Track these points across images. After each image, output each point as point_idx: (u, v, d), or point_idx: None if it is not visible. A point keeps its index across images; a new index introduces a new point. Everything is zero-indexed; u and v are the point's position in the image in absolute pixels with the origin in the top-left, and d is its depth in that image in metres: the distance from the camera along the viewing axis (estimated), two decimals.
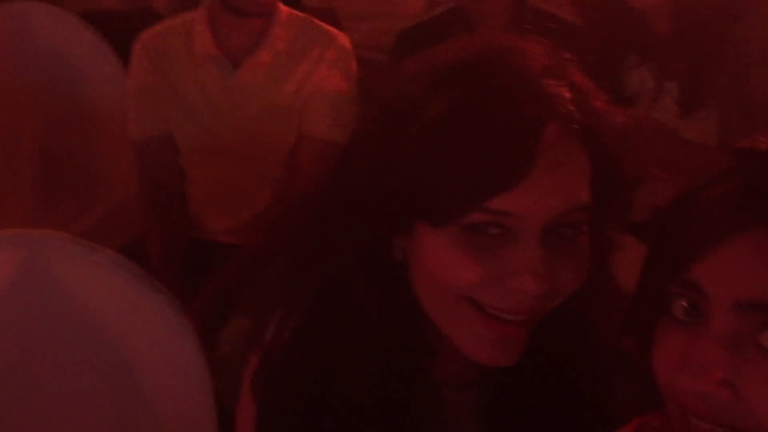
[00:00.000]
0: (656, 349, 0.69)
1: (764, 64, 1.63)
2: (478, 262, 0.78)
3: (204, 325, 1.73)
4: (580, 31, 1.91)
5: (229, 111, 1.94)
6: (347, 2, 2.65)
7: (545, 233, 0.78)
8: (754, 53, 1.63)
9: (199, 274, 1.87)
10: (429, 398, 0.89)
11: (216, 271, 1.85)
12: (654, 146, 1.62)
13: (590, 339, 0.90)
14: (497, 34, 0.87)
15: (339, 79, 1.95)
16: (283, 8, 1.97)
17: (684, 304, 0.67)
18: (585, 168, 0.80)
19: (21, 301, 1.29)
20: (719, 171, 0.70)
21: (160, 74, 1.94)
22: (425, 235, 0.81)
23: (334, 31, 2.00)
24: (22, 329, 1.29)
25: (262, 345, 0.97)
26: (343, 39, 1.99)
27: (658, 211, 1.84)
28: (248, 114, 1.94)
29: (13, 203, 2.13)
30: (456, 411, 0.92)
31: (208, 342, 1.71)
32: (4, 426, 1.28)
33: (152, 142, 1.97)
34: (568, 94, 0.79)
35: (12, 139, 2.16)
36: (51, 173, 2.14)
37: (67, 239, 1.29)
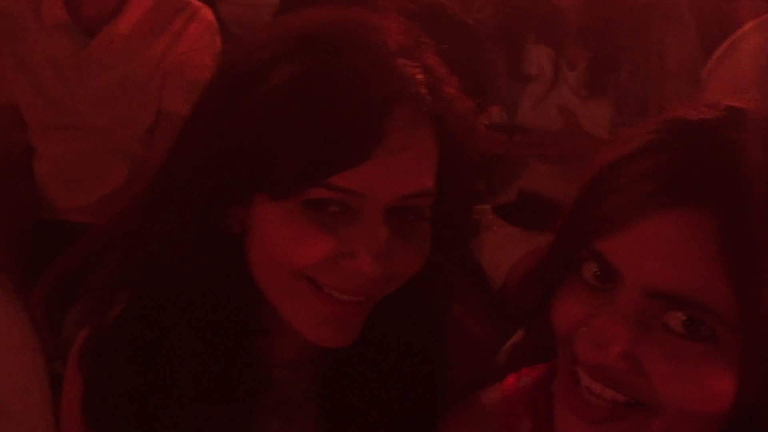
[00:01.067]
0: (559, 303, 0.70)
1: (660, 69, 1.77)
2: (317, 240, 0.76)
3: (49, 308, 1.63)
4: (466, 24, 1.95)
5: (82, 83, 1.84)
6: None
7: (387, 217, 0.77)
8: (652, 57, 1.77)
9: (46, 255, 1.77)
10: (259, 376, 0.87)
11: (63, 251, 1.75)
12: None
13: (430, 320, 0.89)
14: (356, 7, 0.85)
15: (201, 55, 1.88)
16: None
17: (594, 269, 0.68)
18: (431, 153, 0.79)
19: None
20: (644, 143, 0.68)
21: (4, 42, 1.82)
22: (264, 207, 0.78)
23: (198, 4, 1.94)
24: None
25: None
26: (206, 12, 1.93)
27: (523, 194, 1.90)
28: (103, 87, 1.84)
29: None
30: (289, 389, 0.89)
31: (53, 325, 1.62)
32: None
33: None
34: (420, 76, 0.78)
35: None
36: None
37: None
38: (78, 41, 1.83)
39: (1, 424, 1.20)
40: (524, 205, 1.87)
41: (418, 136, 0.78)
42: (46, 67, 1.83)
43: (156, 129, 1.88)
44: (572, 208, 0.73)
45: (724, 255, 0.61)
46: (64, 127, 1.85)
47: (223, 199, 0.81)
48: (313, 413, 0.89)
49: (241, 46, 0.86)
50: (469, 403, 0.86)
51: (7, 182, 1.85)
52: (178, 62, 1.86)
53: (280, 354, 0.89)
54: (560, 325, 0.70)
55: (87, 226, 1.82)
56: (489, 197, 1.94)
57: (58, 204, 1.91)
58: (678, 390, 0.63)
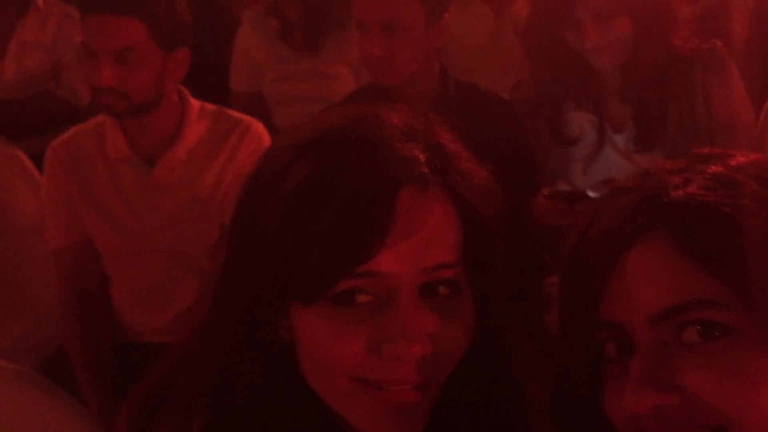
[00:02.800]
0: (606, 395, 0.72)
1: (709, 120, 1.76)
2: (353, 336, 0.76)
3: (134, 430, 1.67)
4: (501, 100, 1.97)
5: (149, 210, 1.94)
6: (275, 87, 2.70)
7: (418, 297, 0.77)
8: (699, 108, 1.75)
9: (127, 379, 1.82)
10: None
11: (144, 373, 1.80)
12: None
13: (505, 395, 0.87)
14: (359, 105, 0.88)
15: None
16: (194, 103, 1.99)
17: (612, 344, 0.72)
18: (450, 227, 0.80)
19: None
20: (601, 210, 0.75)
21: (75, 181, 1.93)
22: (299, 313, 0.79)
23: (248, 118, 2.02)
24: None
25: None
26: (257, 126, 2.01)
27: None
28: (168, 211, 1.93)
29: None
30: None
31: None
32: None
33: (71, 249, 1.94)
34: (422, 156, 0.79)
35: None
36: None
37: None
38: (141, 171, 1.93)
39: None
40: None
41: (430, 213, 0.78)
42: (113, 199, 1.93)
43: (222, 244, 1.94)
44: (561, 300, 0.77)
45: (692, 253, 0.67)
46: (135, 252, 1.94)
47: (266, 310, 0.81)
48: None
49: (263, 155, 0.88)
50: None
51: (86, 312, 1.93)
52: (236, 177, 1.93)
53: None
54: (617, 412, 0.71)
55: (163, 346, 1.87)
56: (556, 268, 1.92)
57: (135, 327, 1.98)
58: (730, 394, 0.65)
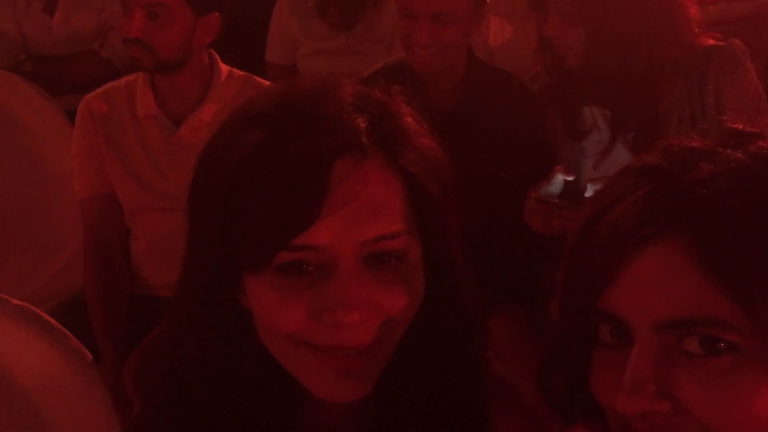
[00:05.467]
0: (593, 377, 0.72)
1: (720, 120, 1.71)
2: (296, 304, 0.78)
3: (138, 381, 1.73)
4: (525, 88, 1.97)
5: (172, 169, 2.00)
6: (310, 61, 2.73)
7: (360, 266, 0.78)
8: (710, 109, 1.73)
9: (140, 330, 1.88)
10: None
11: (155, 325, 1.86)
12: None
13: (464, 369, 0.89)
14: (320, 77, 0.87)
15: None
16: (223, 67, 2.03)
17: (607, 328, 0.71)
18: (392, 197, 0.80)
19: None
20: (616, 192, 0.72)
21: (103, 135, 2.00)
22: (249, 281, 0.81)
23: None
24: None
25: None
26: None
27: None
28: (190, 171, 1.97)
29: None
30: None
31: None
32: None
33: (96, 200, 2.01)
34: (363, 125, 0.79)
35: None
36: (2, 233, 2.18)
37: None
38: (167, 130, 1.99)
39: None
40: None
41: (368, 182, 0.78)
42: (139, 155, 2.00)
43: None
44: (563, 280, 0.75)
45: (712, 269, 0.64)
46: (155, 209, 2.00)
47: (221, 276, 0.82)
48: None
49: (222, 122, 0.88)
50: None
51: (106, 261, 2.01)
52: None
53: (320, 420, 0.90)
54: (604, 397, 0.70)
55: None
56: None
57: (151, 281, 2.05)
58: (723, 412, 0.64)
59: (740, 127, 0.74)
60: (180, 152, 1.99)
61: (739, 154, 0.68)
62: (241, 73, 2.06)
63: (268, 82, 2.07)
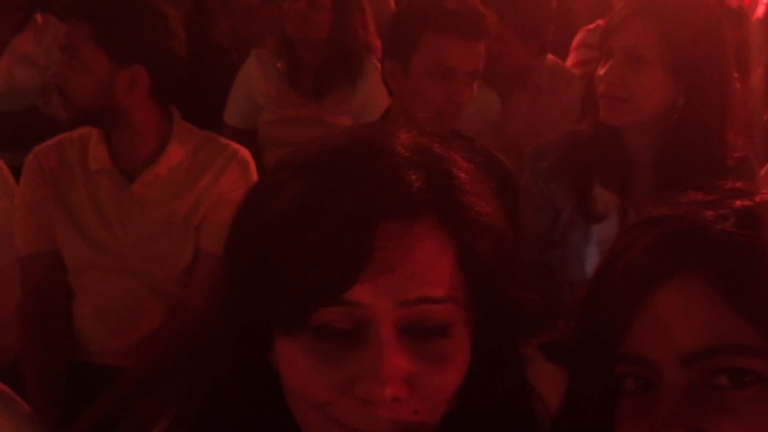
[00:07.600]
0: (620, 428, 0.71)
1: None
2: (328, 370, 0.71)
3: None
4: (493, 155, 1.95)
5: (123, 226, 1.88)
6: (274, 129, 2.66)
7: (397, 335, 0.71)
8: None
9: (80, 399, 1.74)
10: None
11: (98, 395, 1.72)
12: None
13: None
14: (378, 124, 0.83)
15: (240, 194, 1.90)
16: (181, 123, 1.96)
17: (632, 380, 0.70)
18: (442, 260, 0.73)
19: None
20: (626, 242, 0.73)
21: (51, 188, 1.89)
22: (281, 343, 0.74)
23: (236, 145, 1.99)
24: None
25: None
26: (244, 153, 1.98)
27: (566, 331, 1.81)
28: (142, 229, 1.88)
29: None
30: None
31: None
32: None
33: (39, 257, 1.88)
34: (417, 184, 0.73)
35: None
36: None
37: None
38: (119, 184, 1.89)
39: None
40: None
41: (418, 245, 0.71)
42: (88, 211, 1.88)
43: (195, 269, 1.88)
44: (579, 336, 0.75)
45: (734, 296, 0.66)
46: (103, 269, 1.88)
47: (253, 338, 0.76)
48: None
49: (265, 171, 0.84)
50: None
51: (47, 325, 1.86)
52: (216, 202, 1.90)
53: None
54: None
55: (121, 370, 1.80)
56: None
57: (94, 347, 1.90)
58: None
59: (740, 185, 0.78)
60: (132, 208, 1.88)
61: (744, 201, 0.72)
62: (201, 131, 1.99)
63: (230, 142, 2.00)
